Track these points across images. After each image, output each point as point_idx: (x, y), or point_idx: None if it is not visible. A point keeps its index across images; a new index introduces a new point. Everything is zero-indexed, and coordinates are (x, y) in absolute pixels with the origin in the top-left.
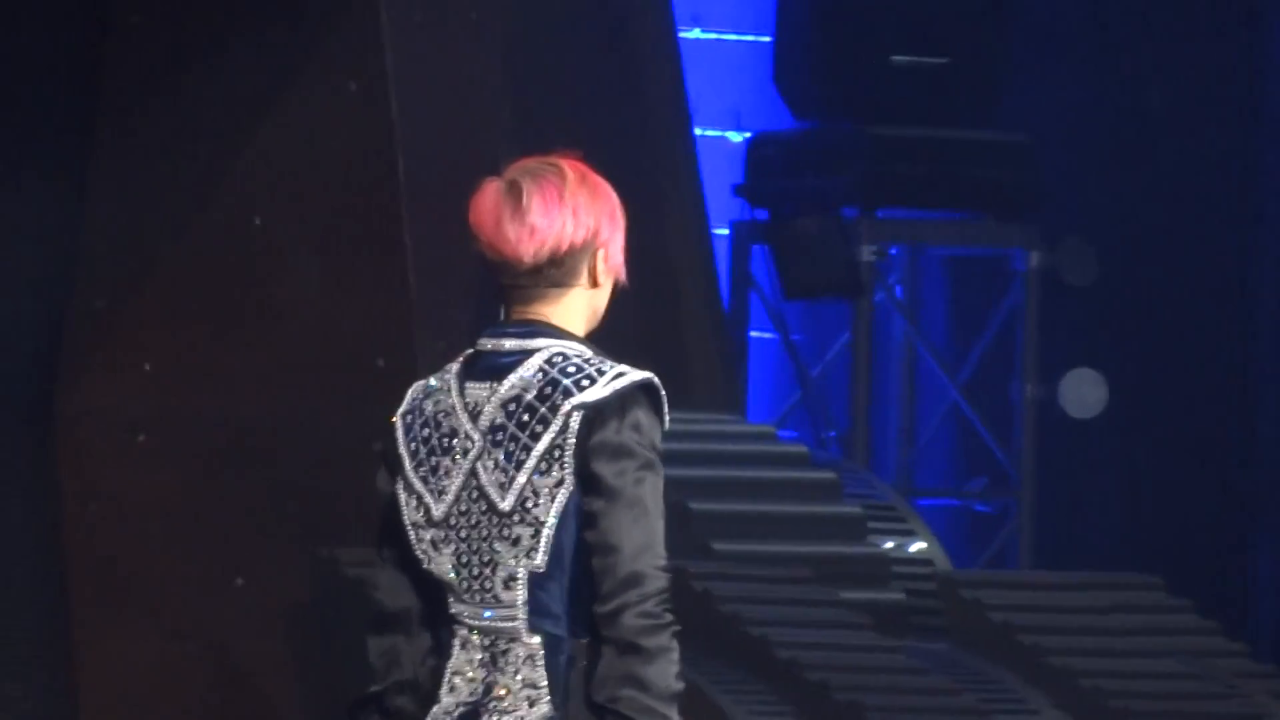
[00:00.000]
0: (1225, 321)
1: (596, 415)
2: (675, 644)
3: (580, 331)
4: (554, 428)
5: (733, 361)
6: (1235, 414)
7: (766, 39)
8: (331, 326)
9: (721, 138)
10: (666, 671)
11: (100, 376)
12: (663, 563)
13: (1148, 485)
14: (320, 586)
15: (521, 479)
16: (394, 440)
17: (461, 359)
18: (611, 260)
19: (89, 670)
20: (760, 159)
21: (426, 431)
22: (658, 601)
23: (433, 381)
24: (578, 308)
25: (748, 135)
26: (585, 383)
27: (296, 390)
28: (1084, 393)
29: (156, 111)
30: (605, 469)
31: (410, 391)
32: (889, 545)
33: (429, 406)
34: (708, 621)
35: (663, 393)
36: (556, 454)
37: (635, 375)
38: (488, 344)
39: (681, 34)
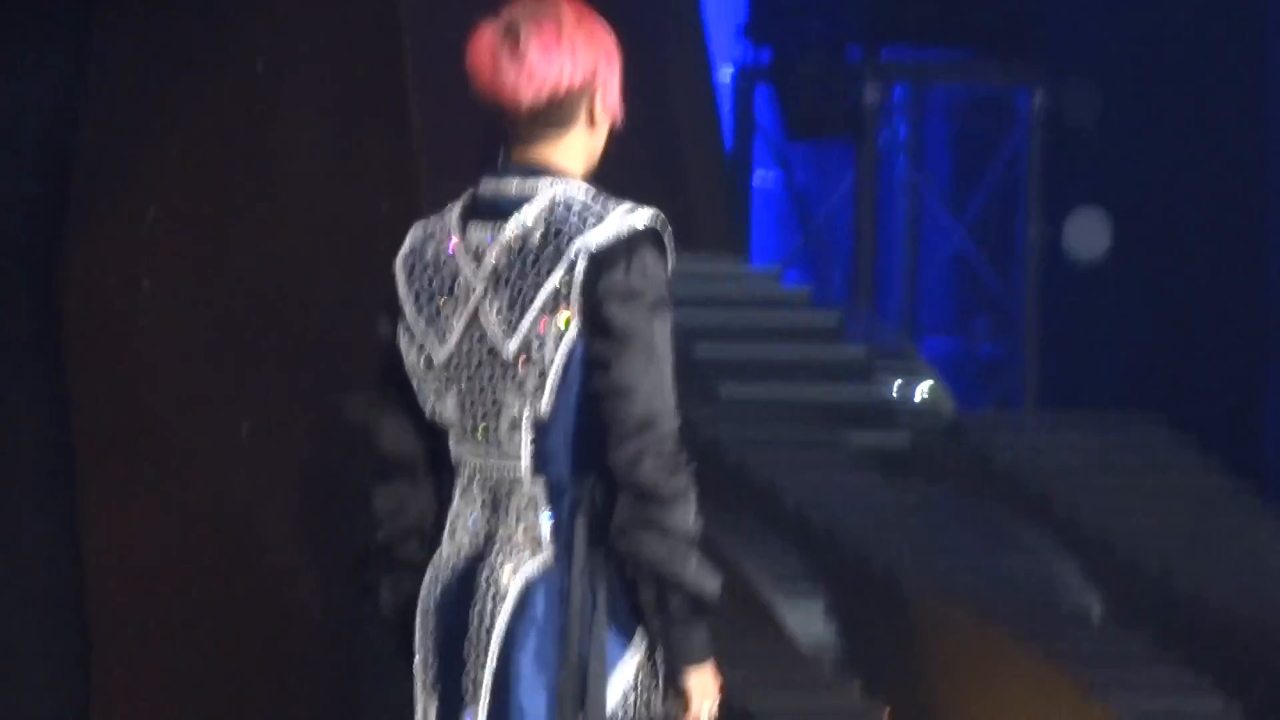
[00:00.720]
0: (1233, 159)
1: (604, 257)
2: (692, 485)
3: (579, 172)
4: (560, 269)
5: (736, 204)
6: (1243, 254)
7: None
8: (336, 172)
9: None
10: (686, 514)
11: (106, 222)
12: (674, 405)
13: (1153, 326)
14: (327, 437)
15: (526, 323)
16: (395, 284)
17: (462, 201)
18: (609, 100)
19: (94, 532)
20: None
21: (428, 275)
22: (673, 443)
23: (432, 224)
24: (577, 148)
25: None
26: (591, 221)
27: (302, 236)
28: (1088, 233)
29: None
30: (615, 312)
31: (410, 234)
32: (896, 385)
33: (430, 249)
34: (714, 468)
35: (669, 230)
36: (563, 294)
37: (643, 214)
38: (489, 186)
39: None
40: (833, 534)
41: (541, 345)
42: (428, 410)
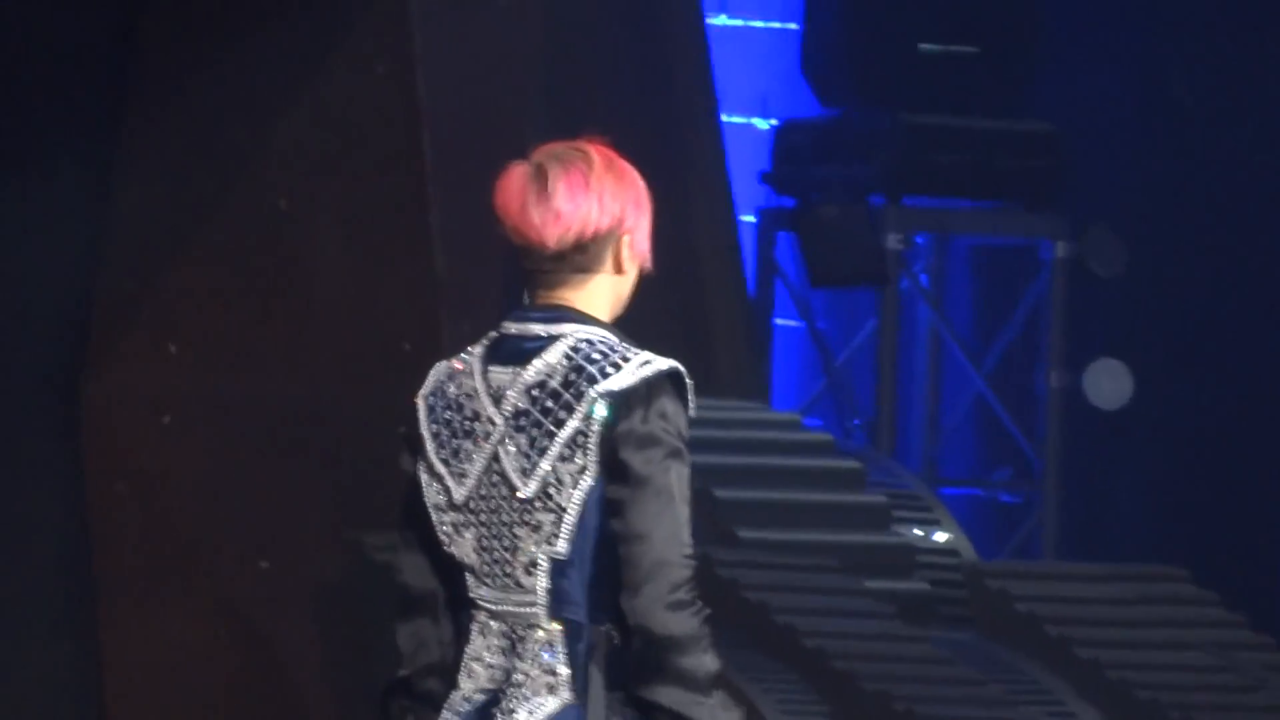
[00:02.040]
0: (1253, 313)
1: (622, 403)
2: (706, 627)
3: (605, 317)
4: (578, 415)
5: (758, 349)
6: (1262, 406)
7: (794, 25)
8: (358, 310)
9: (749, 124)
10: (702, 658)
11: (127, 358)
12: (690, 550)
13: (1173, 478)
14: (347, 570)
15: (545, 466)
16: (416, 422)
17: (485, 341)
18: (637, 247)
19: (113, 652)
20: (787, 146)
21: (449, 414)
22: (687, 589)
23: (455, 363)
24: (602, 293)
25: (775, 122)
26: (610, 370)
27: (323, 374)
28: (1109, 383)
29: (184, 93)
30: (632, 458)
31: (432, 373)
32: (915, 534)
33: (451, 389)
34: (734, 610)
35: (689, 380)
36: (580, 441)
37: (661, 363)
38: (512, 328)
39: (709, 20)
40: (853, 677)
41: (560, 488)
42: (447, 546)
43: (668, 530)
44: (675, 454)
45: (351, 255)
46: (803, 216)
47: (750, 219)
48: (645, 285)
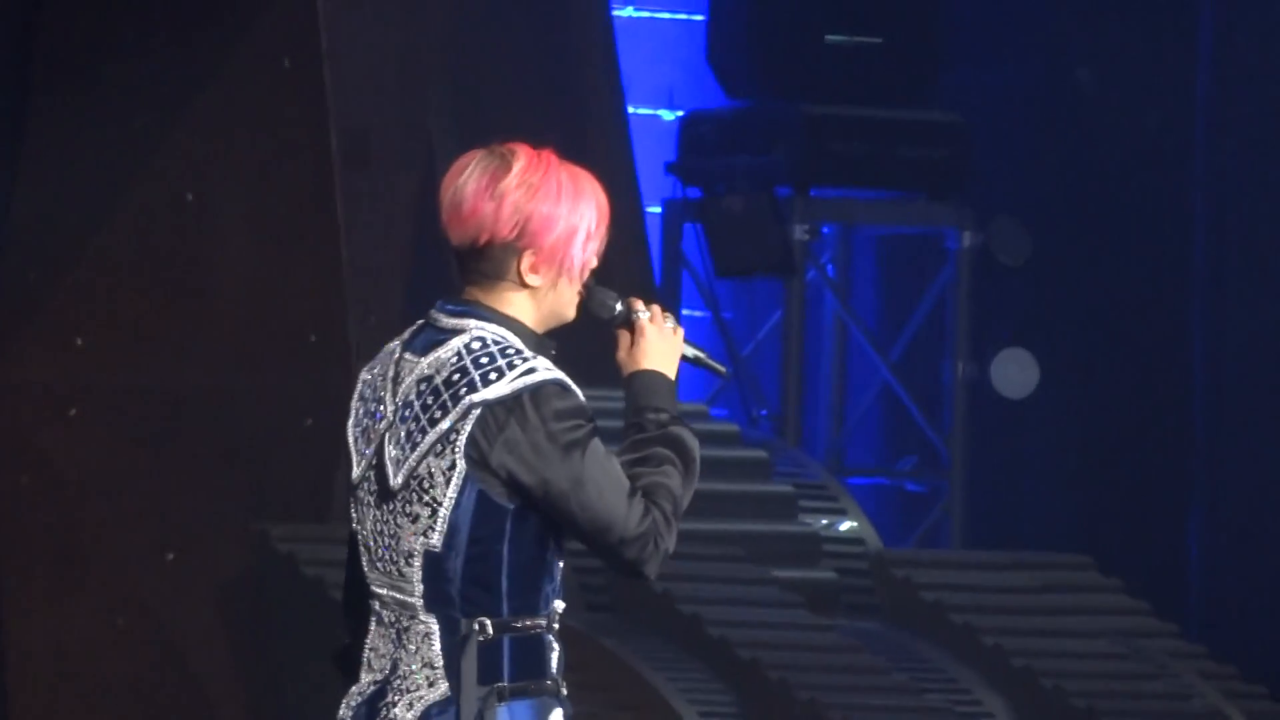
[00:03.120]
0: (1158, 301)
1: (492, 414)
2: (649, 519)
3: (529, 323)
4: (450, 417)
5: None
6: (1168, 394)
7: (700, 17)
8: (264, 302)
9: (655, 116)
10: (667, 522)
11: (31, 350)
12: (629, 511)
13: (1078, 466)
14: (252, 561)
15: (413, 460)
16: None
17: (410, 330)
18: (545, 263)
19: (17, 644)
20: (693, 137)
21: (366, 393)
22: (635, 530)
23: (390, 344)
24: (518, 302)
25: (681, 113)
26: (493, 375)
27: (229, 365)
28: (1015, 372)
29: (89, 84)
30: (522, 470)
31: (381, 351)
32: (821, 523)
33: (375, 369)
34: (640, 599)
35: (572, 387)
36: (451, 439)
37: (543, 373)
38: (432, 316)
39: (615, 12)
40: (758, 666)
41: (432, 483)
42: (354, 525)
43: (592, 510)
44: (573, 444)
45: (258, 247)
46: (709, 207)
47: (656, 210)
48: None
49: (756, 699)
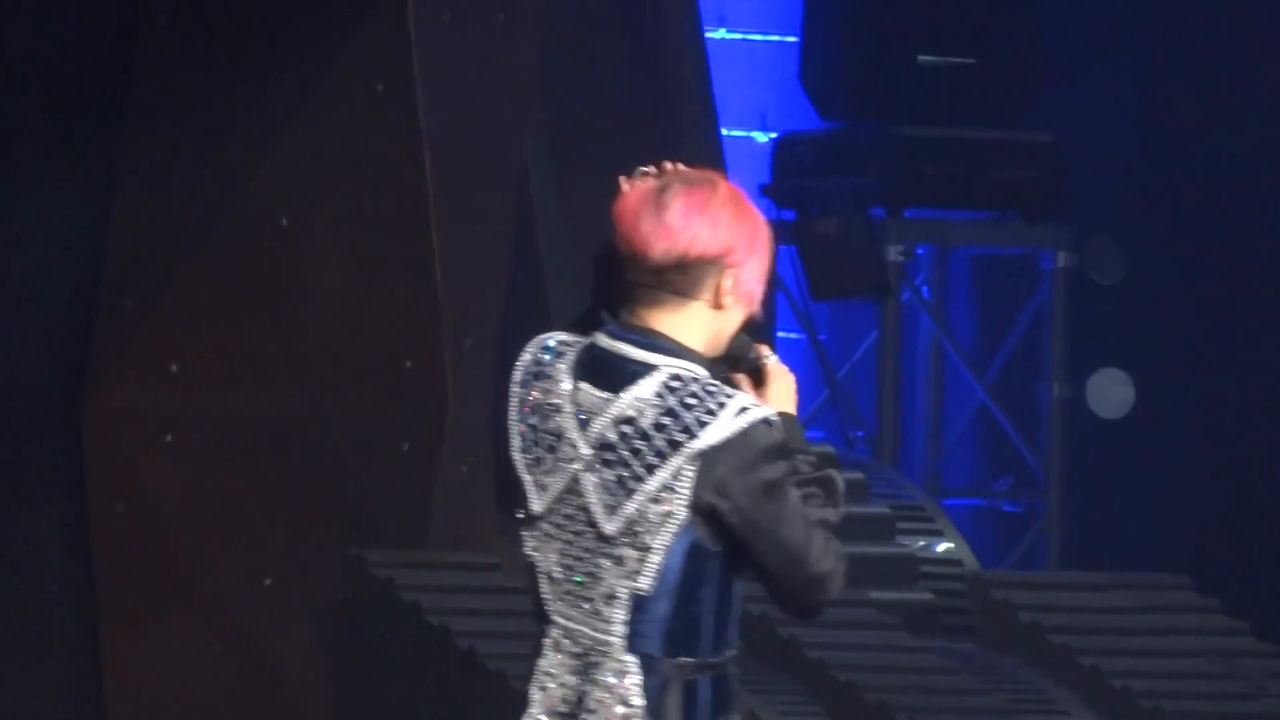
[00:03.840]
0: (1253, 319)
1: (718, 457)
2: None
3: (699, 348)
4: (670, 466)
5: None
6: (1264, 413)
7: (793, 39)
8: (360, 327)
9: (748, 138)
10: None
11: (128, 376)
12: (822, 549)
13: (1175, 486)
14: (349, 587)
15: (631, 507)
16: (508, 409)
17: (575, 347)
18: (741, 286)
19: (115, 670)
20: (787, 159)
21: (534, 420)
22: (827, 584)
23: (545, 359)
24: (699, 324)
25: (774, 135)
26: (706, 419)
27: (324, 391)
28: (1111, 392)
29: (184, 111)
30: (740, 511)
31: (522, 358)
32: (918, 545)
33: (537, 392)
34: (739, 622)
35: (774, 421)
36: (673, 487)
37: (757, 411)
38: (604, 342)
39: (708, 34)
40: (855, 688)
41: (647, 530)
42: (530, 552)
43: (781, 554)
44: (777, 485)
45: (352, 272)
46: (803, 229)
47: None
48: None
49: None
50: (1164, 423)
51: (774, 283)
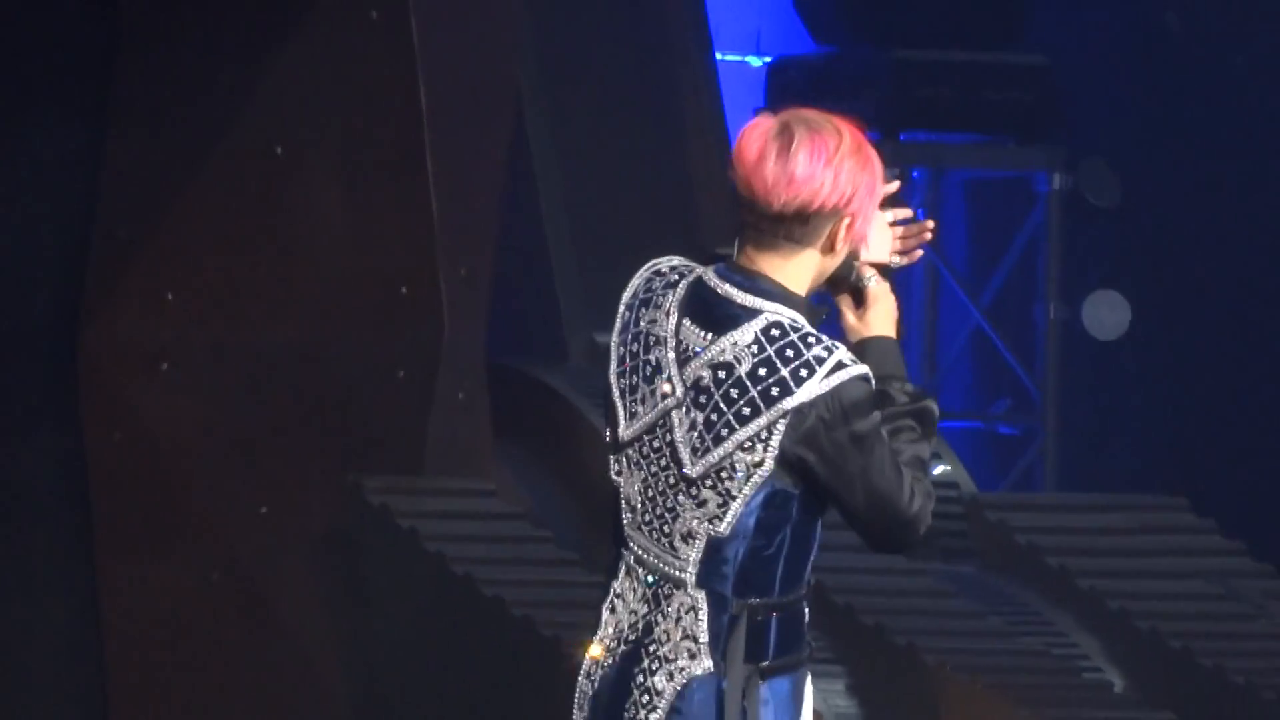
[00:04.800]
0: (1248, 240)
1: (810, 410)
2: (928, 502)
3: (803, 291)
4: (763, 419)
5: None
6: (1262, 333)
7: None
8: (355, 253)
9: (742, 62)
10: (925, 501)
11: (123, 306)
12: (905, 494)
13: (1172, 407)
14: (345, 514)
15: (718, 453)
16: (613, 328)
17: (687, 278)
18: (857, 230)
19: (112, 599)
20: (781, 83)
21: (635, 346)
22: (916, 526)
23: (656, 285)
24: (807, 268)
25: (768, 60)
26: (803, 373)
27: (320, 319)
28: (1107, 314)
29: (176, 40)
30: (830, 463)
31: (634, 282)
32: None
33: (643, 320)
34: None
35: (868, 377)
36: (761, 438)
37: (850, 370)
38: (711, 279)
39: None
40: (853, 610)
41: (731, 475)
42: (615, 475)
43: (885, 501)
44: (866, 437)
45: (347, 200)
46: None
47: None
48: (642, 224)
49: (853, 644)
50: (1160, 344)
51: None
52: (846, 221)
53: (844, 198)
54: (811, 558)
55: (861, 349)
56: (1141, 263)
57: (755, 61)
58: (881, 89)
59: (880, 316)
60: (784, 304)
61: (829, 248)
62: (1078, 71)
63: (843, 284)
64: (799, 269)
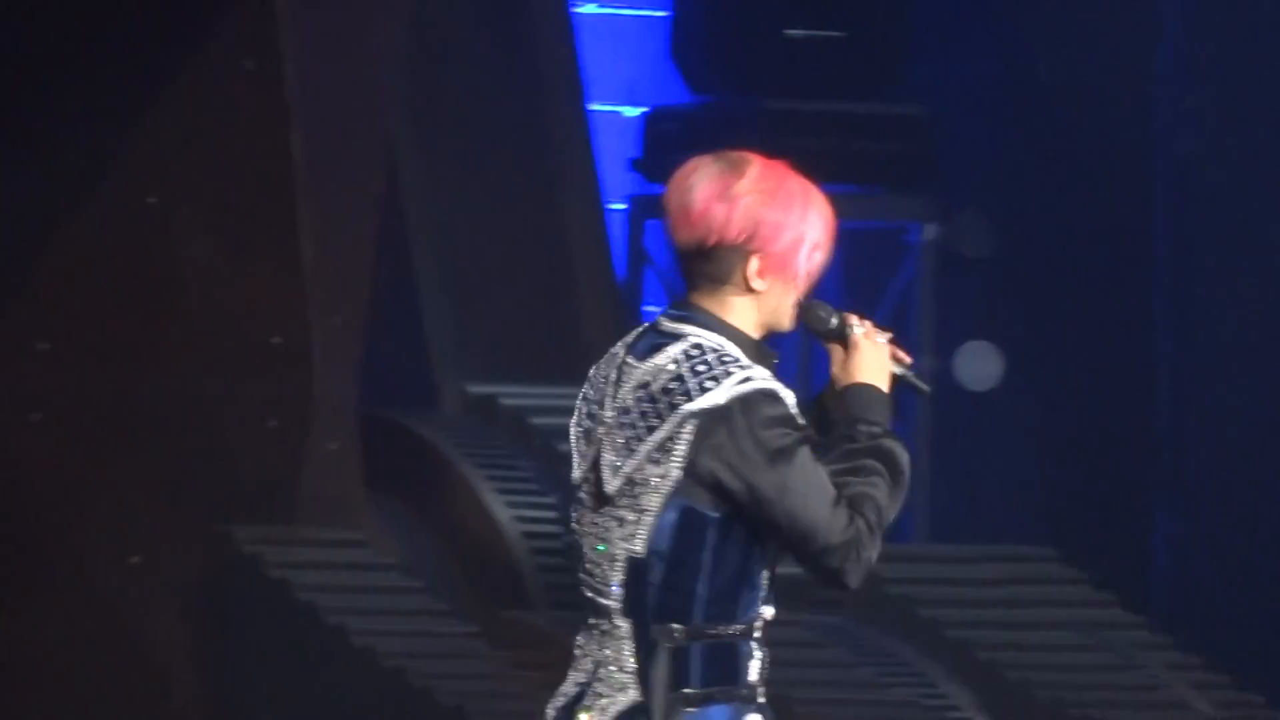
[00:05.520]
0: (1122, 293)
1: (711, 423)
2: (864, 534)
3: (748, 328)
4: (667, 426)
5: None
6: (1132, 385)
7: (662, 13)
8: (228, 304)
9: (617, 112)
10: (871, 538)
11: None
12: (832, 519)
13: (1044, 458)
14: (217, 564)
15: (630, 466)
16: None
17: (640, 329)
18: (775, 267)
19: None
20: (657, 133)
21: (590, 394)
22: (843, 555)
23: (620, 343)
24: (740, 308)
25: (644, 110)
26: (709, 384)
27: (193, 368)
28: (979, 365)
29: (51, 88)
30: (739, 476)
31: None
32: None
33: (600, 370)
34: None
35: (783, 394)
36: (667, 447)
37: (756, 383)
38: (657, 320)
39: (576, 9)
40: None
41: (645, 489)
42: (572, 525)
43: (793, 517)
44: (777, 455)
45: (221, 250)
46: None
47: (620, 206)
48: (514, 274)
49: None
50: (1032, 396)
51: (642, 257)
52: (755, 258)
53: (742, 233)
54: (747, 590)
55: (843, 395)
56: (1015, 314)
57: (630, 111)
58: (755, 139)
59: (864, 364)
60: (719, 333)
61: (745, 287)
62: (951, 122)
63: (826, 335)
64: (734, 310)
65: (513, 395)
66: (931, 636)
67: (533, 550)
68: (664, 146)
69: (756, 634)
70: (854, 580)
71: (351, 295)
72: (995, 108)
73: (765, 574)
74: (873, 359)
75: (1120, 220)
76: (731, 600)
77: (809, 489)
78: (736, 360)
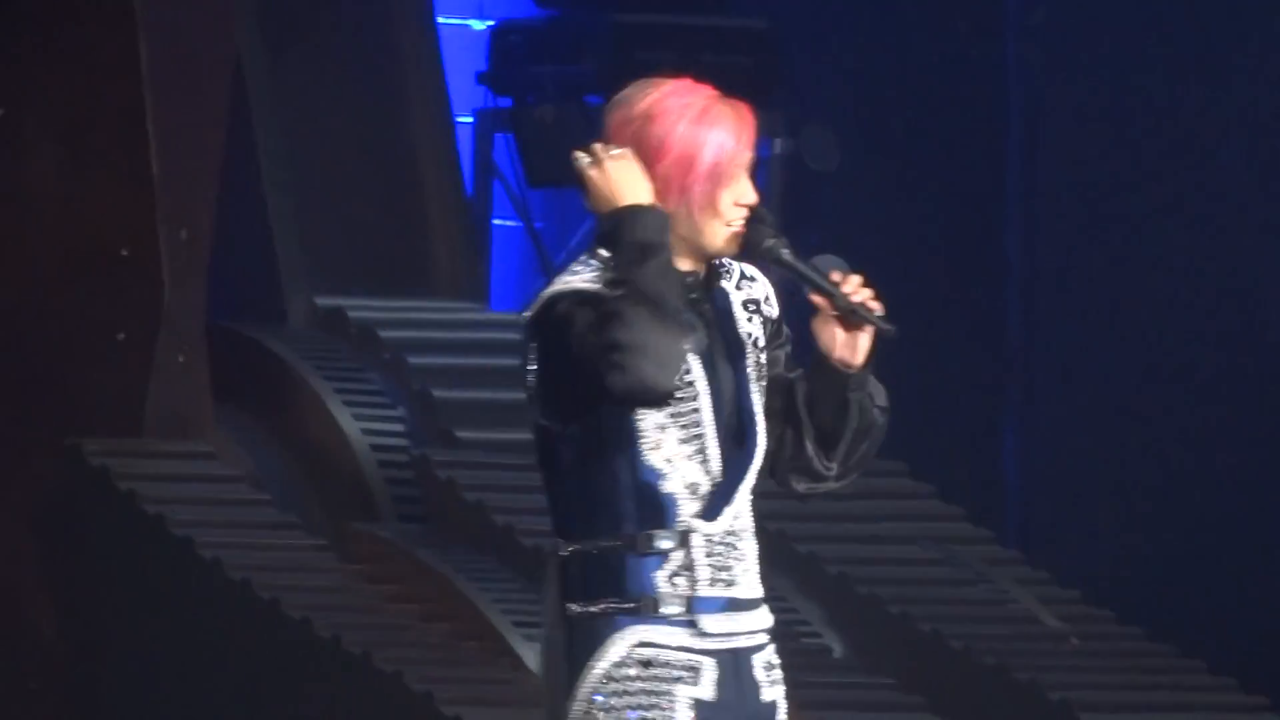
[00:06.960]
0: (970, 208)
1: (525, 340)
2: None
3: (680, 250)
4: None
5: (476, 250)
6: (983, 301)
7: None
8: (74, 217)
9: (465, 26)
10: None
11: None
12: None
13: (894, 372)
14: (65, 476)
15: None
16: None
17: None
18: (665, 190)
19: None
20: (503, 47)
21: None
22: (599, 361)
23: None
24: (674, 225)
25: (491, 23)
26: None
27: (40, 279)
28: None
29: None
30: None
31: None
32: None
33: None
34: (453, 509)
35: (566, 294)
36: (525, 366)
37: (555, 286)
38: None
39: None
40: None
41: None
42: None
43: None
44: (534, 327)
45: (68, 162)
46: (520, 117)
47: (467, 120)
48: (362, 187)
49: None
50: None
51: (490, 170)
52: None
53: (642, 156)
54: (619, 503)
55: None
56: (862, 229)
57: (478, 25)
58: (601, 53)
59: (600, 192)
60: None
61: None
62: (799, 36)
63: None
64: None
65: (361, 308)
66: (781, 551)
67: (381, 463)
68: (512, 60)
69: (651, 546)
70: (616, 386)
71: (199, 208)
72: (843, 21)
73: (631, 485)
74: (609, 183)
75: (969, 135)
76: (598, 514)
77: (566, 339)
78: (570, 271)
